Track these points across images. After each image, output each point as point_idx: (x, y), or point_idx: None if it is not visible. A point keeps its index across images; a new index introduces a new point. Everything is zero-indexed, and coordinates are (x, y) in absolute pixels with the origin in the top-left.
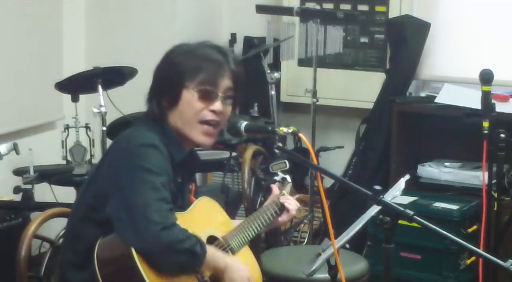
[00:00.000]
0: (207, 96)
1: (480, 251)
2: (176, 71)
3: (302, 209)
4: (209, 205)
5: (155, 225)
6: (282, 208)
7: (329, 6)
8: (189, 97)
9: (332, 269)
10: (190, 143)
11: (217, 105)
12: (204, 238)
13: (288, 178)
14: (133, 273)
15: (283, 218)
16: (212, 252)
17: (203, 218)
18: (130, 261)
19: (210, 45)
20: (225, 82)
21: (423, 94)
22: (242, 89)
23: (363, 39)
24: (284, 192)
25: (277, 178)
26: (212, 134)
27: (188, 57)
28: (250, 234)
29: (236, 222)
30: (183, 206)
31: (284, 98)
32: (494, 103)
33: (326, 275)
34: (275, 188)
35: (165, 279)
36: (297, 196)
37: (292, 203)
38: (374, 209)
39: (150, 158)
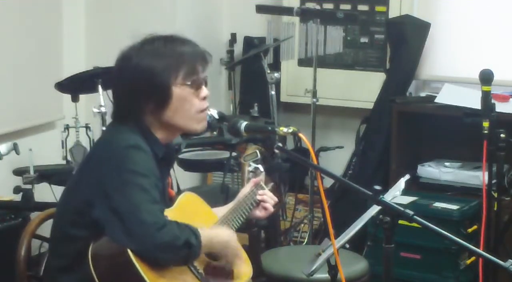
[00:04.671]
0: (196, 86)
1: (480, 251)
2: (155, 73)
3: (302, 209)
4: (193, 199)
5: (150, 227)
6: (258, 202)
7: (329, 6)
8: (181, 92)
9: (332, 269)
10: (170, 137)
11: (205, 91)
12: None
13: (261, 167)
14: (129, 267)
15: (262, 213)
16: (206, 236)
17: (190, 213)
18: (124, 257)
19: (164, 38)
20: (200, 66)
21: (423, 94)
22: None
23: (363, 39)
24: (262, 184)
25: (250, 169)
26: (206, 118)
27: (158, 57)
28: (235, 225)
29: (217, 210)
30: (165, 200)
31: (284, 98)
32: (494, 103)
33: (326, 275)
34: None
35: (160, 273)
36: (271, 184)
37: (269, 200)
38: (374, 209)
39: (136, 159)
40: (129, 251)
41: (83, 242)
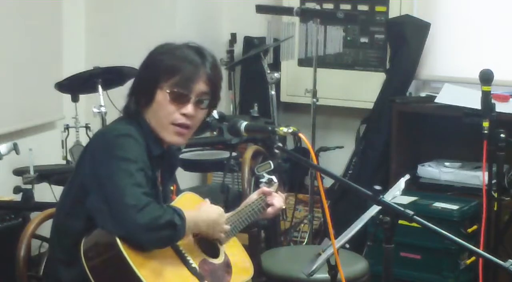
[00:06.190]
0: (178, 99)
1: (480, 251)
2: (153, 70)
3: (302, 209)
4: (192, 199)
5: (131, 209)
6: (268, 205)
7: (329, 6)
8: (162, 98)
9: (332, 269)
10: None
11: (189, 108)
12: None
13: (274, 178)
14: (119, 260)
15: (269, 211)
16: (191, 216)
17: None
18: (115, 250)
19: (191, 46)
20: (200, 86)
21: (423, 94)
22: (218, 93)
23: (363, 39)
24: (272, 191)
25: (263, 180)
26: (183, 134)
27: (166, 57)
28: (237, 227)
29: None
30: (157, 196)
31: (284, 98)
32: (494, 103)
33: (326, 275)
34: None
35: (152, 264)
36: (285, 195)
37: (279, 199)
38: (374, 209)
39: (125, 146)
40: (119, 243)
41: (78, 236)
